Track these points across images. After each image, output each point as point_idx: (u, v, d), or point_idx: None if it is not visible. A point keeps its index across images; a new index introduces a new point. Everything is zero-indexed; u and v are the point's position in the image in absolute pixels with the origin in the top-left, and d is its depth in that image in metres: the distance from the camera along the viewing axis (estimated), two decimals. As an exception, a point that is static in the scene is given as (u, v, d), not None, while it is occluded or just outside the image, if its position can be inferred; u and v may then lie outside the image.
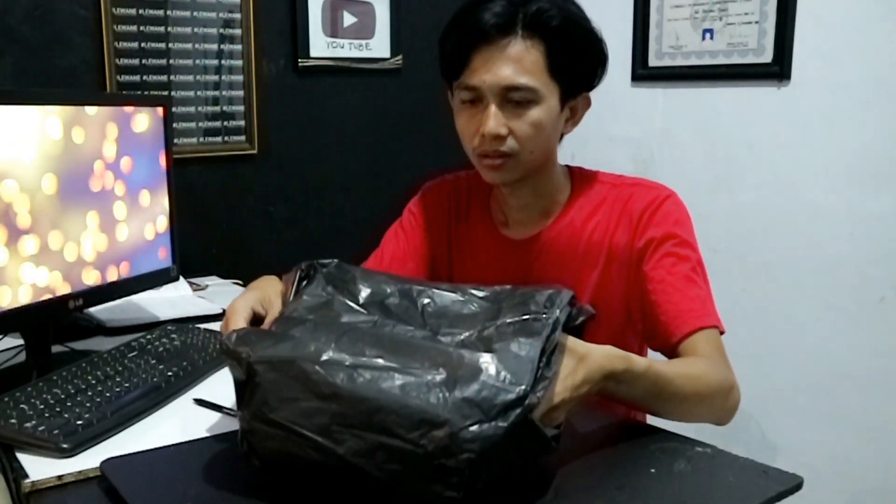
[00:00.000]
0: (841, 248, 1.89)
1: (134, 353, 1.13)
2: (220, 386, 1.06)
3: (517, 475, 0.73)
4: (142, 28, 1.76)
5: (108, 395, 0.96)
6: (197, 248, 1.86)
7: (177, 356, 1.12)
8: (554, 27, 0.99)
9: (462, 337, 0.79)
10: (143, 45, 1.77)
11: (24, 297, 1.06)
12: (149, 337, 1.20)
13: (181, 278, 1.51)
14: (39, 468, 0.81)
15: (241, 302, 0.90)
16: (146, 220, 1.29)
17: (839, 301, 1.91)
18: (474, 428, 0.65)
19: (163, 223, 1.33)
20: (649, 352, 1.10)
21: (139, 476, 0.79)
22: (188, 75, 1.85)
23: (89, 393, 0.97)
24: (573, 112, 1.08)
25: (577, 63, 1.03)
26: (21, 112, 1.04)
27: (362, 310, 0.85)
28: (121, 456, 0.83)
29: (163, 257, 1.34)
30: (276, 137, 2.02)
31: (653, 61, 2.20)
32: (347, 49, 2.11)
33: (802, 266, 1.96)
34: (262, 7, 1.93)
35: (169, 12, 1.80)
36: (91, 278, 1.18)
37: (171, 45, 1.81)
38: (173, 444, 0.87)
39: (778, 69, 1.94)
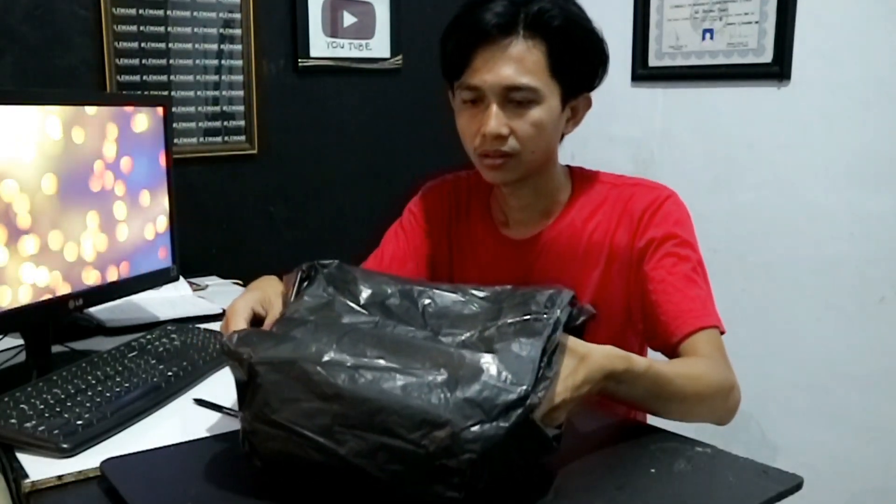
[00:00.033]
0: (841, 248, 1.89)
1: (134, 353, 1.13)
2: (220, 386, 1.06)
3: (518, 475, 0.73)
4: (142, 28, 1.76)
5: (108, 395, 0.96)
6: (197, 248, 1.86)
7: (177, 356, 1.12)
8: (555, 27, 0.99)
9: (463, 337, 0.79)
10: (143, 45, 1.77)
11: (24, 297, 1.06)
12: (149, 337, 1.20)
13: (181, 278, 1.51)
14: (39, 468, 0.81)
15: (241, 302, 0.90)
16: (146, 220, 1.29)
17: (839, 301, 1.91)
18: (476, 428, 0.65)
19: (163, 223, 1.33)
20: (650, 352, 1.10)
21: (139, 476, 0.79)
22: (188, 75, 1.85)
23: (89, 393, 0.97)
24: (574, 112, 1.08)
25: (578, 63, 1.03)
26: (21, 112, 1.04)
27: (363, 310, 0.85)
28: (121, 456, 0.83)
29: (163, 257, 1.34)
30: (276, 137, 2.02)
31: (653, 61, 2.20)
32: (347, 49, 2.11)
33: (802, 266, 1.96)
34: (262, 7, 1.93)
35: (169, 12, 1.80)
36: (91, 278, 1.18)
37: (171, 45, 1.81)
38: (173, 444, 0.87)
39: (778, 69, 1.94)
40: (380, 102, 2.21)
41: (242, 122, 1.95)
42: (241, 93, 1.94)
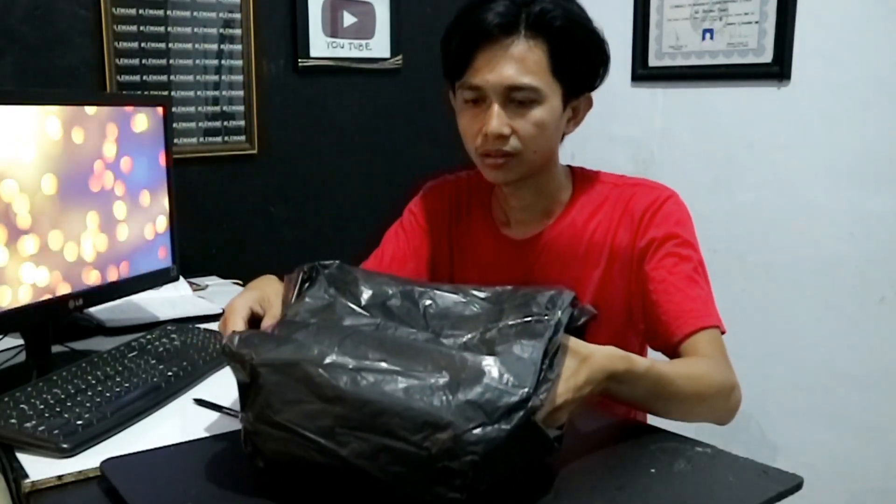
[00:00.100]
0: (841, 248, 1.89)
1: (134, 353, 1.13)
2: (220, 386, 1.06)
3: (520, 476, 0.73)
4: (142, 28, 1.76)
5: (108, 395, 0.96)
6: (197, 248, 1.86)
7: (177, 356, 1.12)
8: (557, 27, 1.00)
9: (464, 339, 0.79)
10: (143, 45, 1.77)
11: (24, 297, 1.06)
12: (149, 337, 1.20)
13: (181, 278, 1.51)
14: (39, 468, 0.81)
15: (239, 301, 0.90)
16: (146, 220, 1.29)
17: (839, 301, 1.91)
18: (478, 430, 0.65)
19: (163, 223, 1.33)
20: (650, 352, 1.10)
21: (139, 476, 0.79)
22: (188, 75, 1.85)
23: (89, 393, 0.96)
24: (575, 112, 1.08)
25: (579, 63, 1.03)
26: (21, 112, 1.04)
27: (364, 312, 0.85)
28: (121, 456, 0.83)
29: (163, 257, 1.34)
30: (276, 137, 2.02)
31: (653, 61, 2.20)
32: (347, 49, 2.11)
33: (802, 266, 1.96)
34: (262, 7, 1.93)
35: (169, 12, 1.80)
36: (91, 278, 1.18)
37: (171, 45, 1.81)
38: (173, 444, 0.87)
39: (778, 69, 1.94)
40: (380, 102, 2.21)
41: (242, 122, 1.95)
42: (241, 93, 1.93)
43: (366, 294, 0.87)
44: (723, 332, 1.02)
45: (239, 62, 1.92)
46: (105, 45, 1.71)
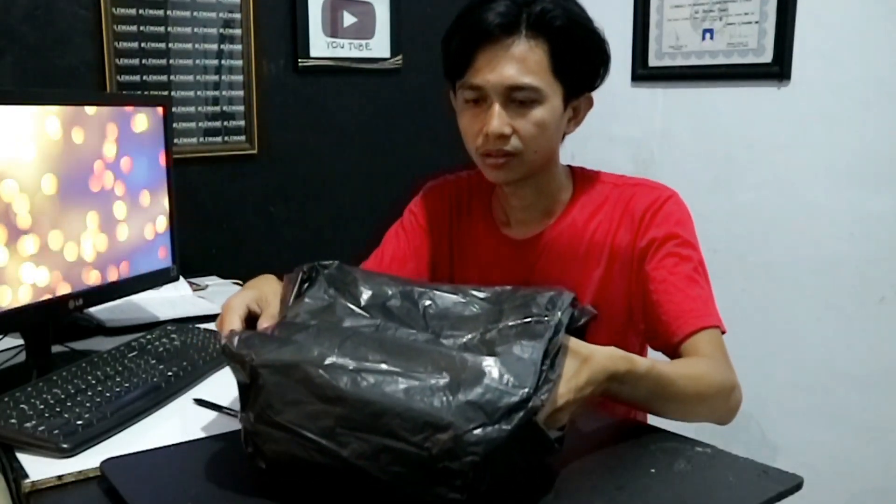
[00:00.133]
0: (841, 248, 1.89)
1: (134, 353, 1.13)
2: (220, 386, 1.06)
3: (520, 477, 0.73)
4: (142, 28, 1.76)
5: (108, 395, 0.96)
6: (197, 248, 1.86)
7: (177, 356, 1.12)
8: (558, 27, 1.00)
9: (464, 340, 0.79)
10: (143, 45, 1.77)
11: (24, 297, 1.06)
12: (149, 337, 1.20)
13: (181, 278, 1.51)
14: (39, 468, 0.81)
15: (236, 300, 0.90)
16: (146, 220, 1.29)
17: (839, 301, 1.91)
18: (478, 431, 0.65)
19: (162, 223, 1.33)
20: (650, 352, 1.10)
21: (139, 476, 0.79)
22: (188, 75, 1.85)
23: (89, 393, 0.96)
24: (576, 112, 1.08)
25: (580, 63, 1.03)
26: (21, 112, 1.04)
27: (364, 313, 0.85)
28: (121, 456, 0.83)
29: (163, 257, 1.34)
30: (276, 137, 2.02)
31: (653, 61, 2.20)
32: (347, 49, 2.11)
33: (802, 266, 1.96)
34: (262, 7, 1.93)
35: (169, 12, 1.80)
36: (91, 278, 1.18)
37: (171, 45, 1.81)
38: (173, 444, 0.87)
39: (778, 69, 1.94)
40: (380, 102, 2.21)
41: (242, 122, 1.95)
42: (241, 93, 1.93)
43: (365, 294, 0.87)
44: (723, 332, 1.02)
45: (239, 62, 1.92)
46: (105, 45, 1.71)
